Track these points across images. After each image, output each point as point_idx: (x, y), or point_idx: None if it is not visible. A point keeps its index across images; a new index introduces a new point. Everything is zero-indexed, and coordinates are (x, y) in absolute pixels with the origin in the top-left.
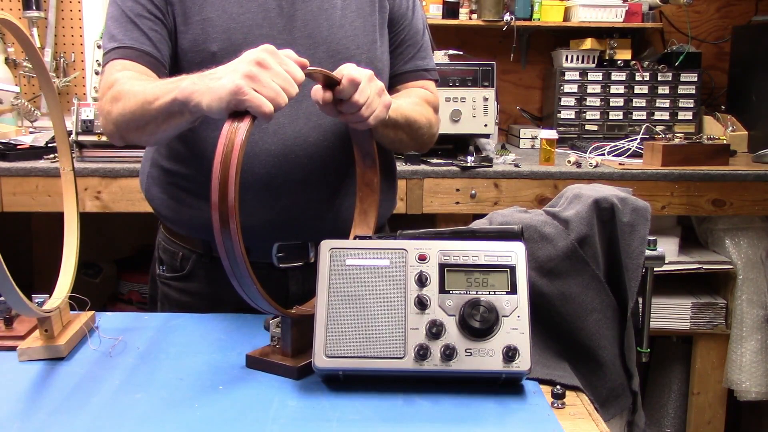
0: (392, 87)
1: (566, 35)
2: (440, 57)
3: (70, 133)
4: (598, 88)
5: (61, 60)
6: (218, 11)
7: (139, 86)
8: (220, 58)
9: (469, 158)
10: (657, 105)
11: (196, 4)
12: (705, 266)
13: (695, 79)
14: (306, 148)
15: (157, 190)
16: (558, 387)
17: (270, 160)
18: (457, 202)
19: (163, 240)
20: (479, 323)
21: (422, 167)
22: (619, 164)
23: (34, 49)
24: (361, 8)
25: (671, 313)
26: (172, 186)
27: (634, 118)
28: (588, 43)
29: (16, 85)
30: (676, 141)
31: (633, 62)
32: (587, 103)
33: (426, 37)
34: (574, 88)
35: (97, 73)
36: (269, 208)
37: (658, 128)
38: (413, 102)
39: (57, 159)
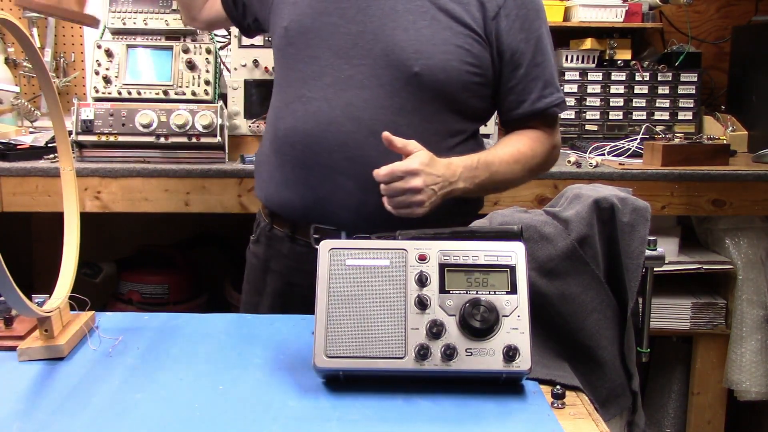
0: (513, 125)
1: (566, 35)
2: None
3: (70, 133)
4: (598, 88)
5: (61, 60)
6: None
7: None
8: (290, 36)
9: None
10: (657, 105)
11: None
12: (705, 266)
13: (695, 79)
14: (338, 135)
15: None
16: (558, 387)
17: (305, 139)
18: None
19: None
20: (479, 323)
21: None
22: (619, 164)
23: (34, 49)
24: (436, 19)
25: (671, 313)
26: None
27: (634, 118)
28: (588, 43)
29: (16, 85)
30: (676, 141)
31: (633, 62)
32: (587, 103)
33: (546, 68)
34: (574, 88)
35: (97, 73)
36: (303, 185)
37: (658, 128)
38: (504, 159)
39: (57, 159)
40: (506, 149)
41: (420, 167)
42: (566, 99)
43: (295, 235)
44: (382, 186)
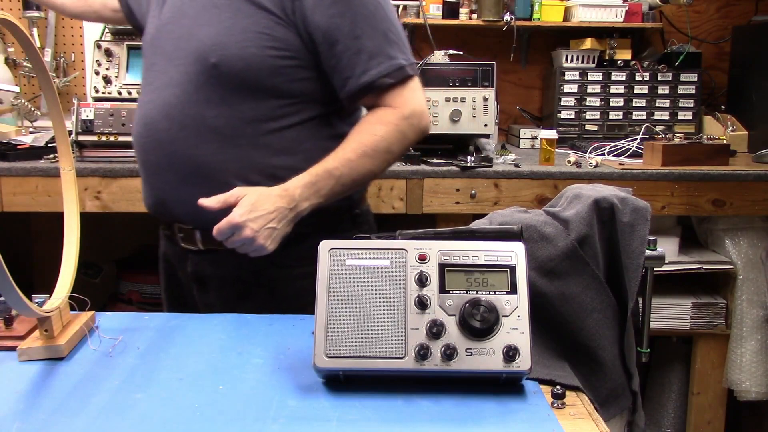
0: (352, 104)
1: (566, 35)
2: (440, 57)
3: (70, 133)
4: (598, 88)
5: (61, 60)
6: (158, 10)
7: None
8: (144, 49)
9: (469, 158)
10: (657, 105)
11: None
12: (705, 266)
13: (695, 79)
14: (156, 134)
15: None
16: (558, 387)
17: (139, 141)
18: (457, 202)
19: None
20: (479, 323)
21: (422, 167)
22: (619, 164)
23: (34, 49)
24: (239, 10)
25: (671, 313)
26: None
27: (634, 118)
28: (588, 43)
29: (16, 85)
30: (676, 141)
31: (633, 62)
32: (587, 103)
33: (370, 39)
34: (574, 88)
35: (97, 73)
36: (149, 186)
37: (658, 128)
38: (348, 158)
39: (57, 159)
40: (349, 146)
41: (241, 220)
42: (566, 99)
43: (171, 234)
44: (225, 242)
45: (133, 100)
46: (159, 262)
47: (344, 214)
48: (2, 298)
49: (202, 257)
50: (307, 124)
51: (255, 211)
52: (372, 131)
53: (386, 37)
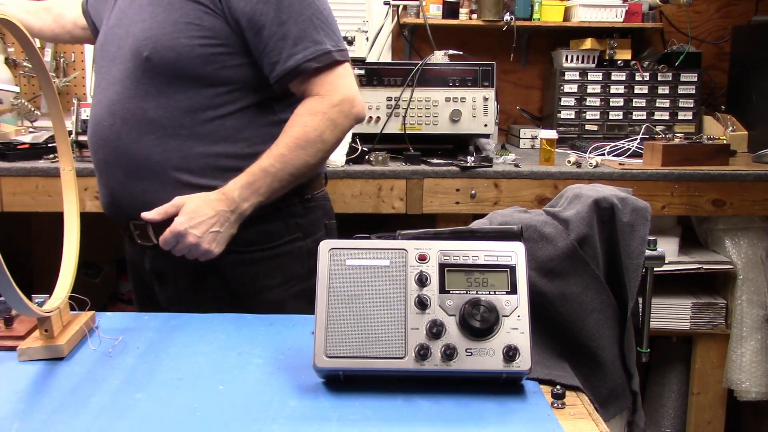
0: (282, 89)
1: (566, 35)
2: (440, 57)
3: (70, 133)
4: (598, 88)
5: (61, 60)
6: (106, 16)
7: None
8: (95, 54)
9: (469, 158)
10: (657, 105)
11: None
12: (705, 266)
13: (695, 79)
14: (102, 132)
15: None
16: (558, 387)
17: (90, 141)
18: (457, 202)
19: None
20: (479, 323)
21: (422, 167)
22: (619, 164)
23: (34, 49)
24: (170, 4)
25: (671, 313)
26: None
27: (634, 118)
28: (588, 43)
29: (16, 85)
30: (676, 141)
31: (633, 62)
32: (587, 103)
33: (295, 24)
34: (574, 88)
35: None
36: (102, 186)
37: (658, 128)
38: (281, 153)
39: (57, 159)
40: (282, 141)
41: (182, 228)
42: (566, 99)
43: (128, 233)
44: (172, 250)
45: None
46: (126, 266)
47: (293, 198)
48: (2, 298)
49: (158, 252)
50: (246, 111)
51: (196, 217)
52: (302, 123)
53: (311, 22)
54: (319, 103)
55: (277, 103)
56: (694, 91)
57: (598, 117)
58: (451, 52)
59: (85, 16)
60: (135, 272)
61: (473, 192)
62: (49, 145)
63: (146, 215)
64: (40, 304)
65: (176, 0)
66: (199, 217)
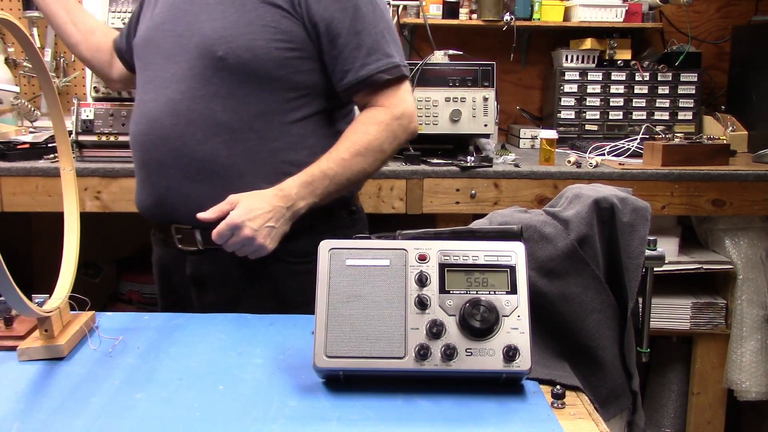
0: (348, 98)
1: (566, 35)
2: (440, 57)
3: (70, 133)
4: (598, 88)
5: (61, 60)
6: (149, 12)
7: None
8: (138, 50)
9: (469, 158)
10: (657, 105)
11: (150, 4)
12: (705, 266)
13: (695, 79)
14: (162, 131)
15: None
16: (558, 387)
17: (140, 139)
18: (457, 202)
19: None
20: (479, 323)
21: (422, 167)
22: (619, 164)
23: (34, 49)
24: (243, 4)
25: (671, 313)
26: None
27: (634, 118)
28: (588, 43)
29: (16, 85)
30: (676, 141)
31: (633, 62)
32: (587, 103)
33: (369, 35)
34: (574, 88)
35: None
36: (149, 185)
37: (658, 128)
38: (342, 157)
39: (57, 159)
40: (343, 146)
41: (239, 219)
42: (566, 99)
43: (166, 238)
44: (225, 245)
45: (134, 100)
46: (153, 268)
47: (341, 210)
48: (2, 298)
49: (202, 257)
50: (310, 120)
51: (252, 211)
52: (365, 131)
53: (383, 35)
54: (383, 114)
55: (337, 114)
56: (694, 91)
57: (598, 117)
58: (451, 52)
59: (119, 50)
60: (165, 276)
61: (473, 192)
62: (49, 145)
63: (202, 215)
64: (40, 304)
65: (250, 1)
66: (256, 210)
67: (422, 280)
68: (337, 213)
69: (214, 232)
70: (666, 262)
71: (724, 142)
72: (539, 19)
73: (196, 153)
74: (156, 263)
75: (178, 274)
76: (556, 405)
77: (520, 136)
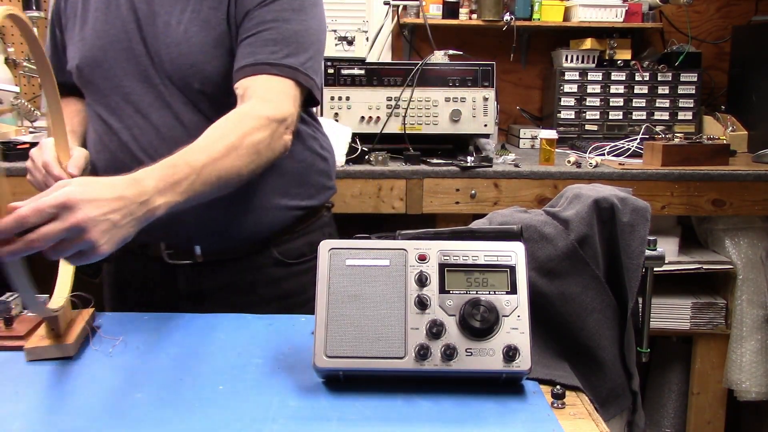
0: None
1: (566, 35)
2: (440, 57)
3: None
4: (598, 88)
5: None
6: (90, 29)
7: None
8: (85, 74)
9: (469, 158)
10: (657, 105)
11: (76, 23)
12: (705, 266)
13: (695, 79)
14: (152, 159)
15: None
16: (558, 387)
17: (119, 168)
18: (457, 202)
19: None
20: (479, 323)
21: (422, 167)
22: (619, 164)
23: (38, 44)
24: (207, 21)
25: (671, 313)
26: None
27: (634, 118)
28: (588, 43)
29: (16, 85)
30: (676, 141)
31: (633, 62)
32: (587, 103)
33: (280, 29)
34: (574, 88)
35: None
36: None
37: (658, 128)
38: (208, 149)
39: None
40: (213, 137)
41: (72, 197)
42: (566, 99)
43: (148, 251)
44: (26, 238)
45: None
46: (105, 287)
47: (322, 209)
48: (2, 298)
49: (201, 270)
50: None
51: (92, 192)
52: (242, 122)
53: (296, 39)
54: (266, 109)
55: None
56: (694, 91)
57: (598, 117)
58: (451, 52)
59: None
60: (146, 293)
61: (473, 192)
62: None
63: (13, 206)
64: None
65: (212, 17)
66: (96, 192)
67: (422, 280)
68: (320, 213)
69: (24, 209)
70: (666, 262)
71: (724, 142)
72: (539, 19)
73: None
74: (113, 278)
75: (164, 289)
76: (556, 405)
77: (520, 136)
